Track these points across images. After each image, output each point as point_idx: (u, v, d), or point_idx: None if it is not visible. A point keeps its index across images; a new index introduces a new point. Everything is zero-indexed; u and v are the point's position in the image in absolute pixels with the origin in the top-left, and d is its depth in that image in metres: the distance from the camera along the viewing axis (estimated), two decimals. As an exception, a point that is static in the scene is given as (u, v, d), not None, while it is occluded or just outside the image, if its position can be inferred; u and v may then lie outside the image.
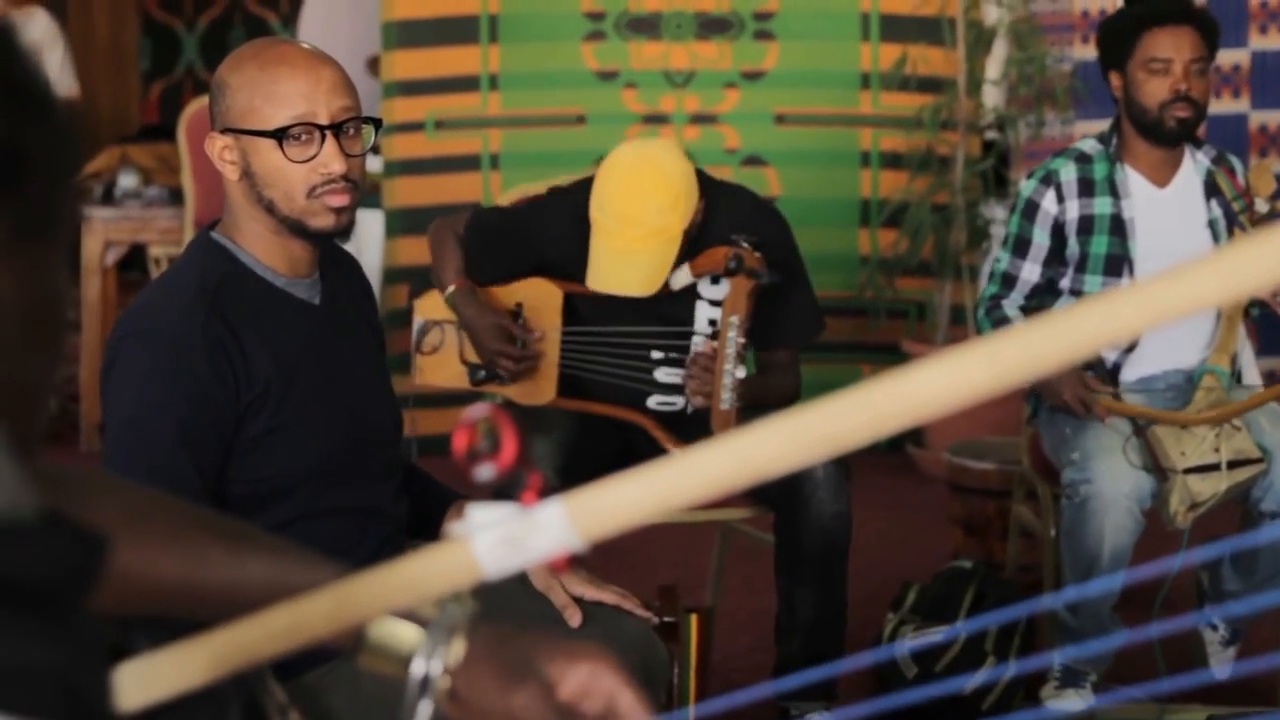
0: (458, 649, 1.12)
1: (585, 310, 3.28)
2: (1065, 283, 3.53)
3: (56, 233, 0.86)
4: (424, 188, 5.47)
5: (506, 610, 1.63)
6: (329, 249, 2.28)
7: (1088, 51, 5.32)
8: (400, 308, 5.23)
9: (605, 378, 3.29)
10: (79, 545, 0.82)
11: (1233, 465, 3.25)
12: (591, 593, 2.35)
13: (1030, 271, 3.54)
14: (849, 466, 3.08)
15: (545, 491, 1.00)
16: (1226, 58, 5.32)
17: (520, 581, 2.33)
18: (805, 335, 3.36)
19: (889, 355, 5.35)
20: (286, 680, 1.56)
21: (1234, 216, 3.48)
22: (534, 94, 5.50)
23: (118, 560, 1.01)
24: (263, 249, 2.21)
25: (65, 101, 0.88)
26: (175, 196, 5.80)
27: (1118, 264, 3.47)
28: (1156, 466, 3.24)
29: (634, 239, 3.07)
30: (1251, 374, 3.58)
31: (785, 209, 3.51)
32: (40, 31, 5.78)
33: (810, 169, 5.54)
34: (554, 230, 3.25)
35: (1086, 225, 3.49)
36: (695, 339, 3.25)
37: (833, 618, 3.12)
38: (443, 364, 3.36)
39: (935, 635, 3.40)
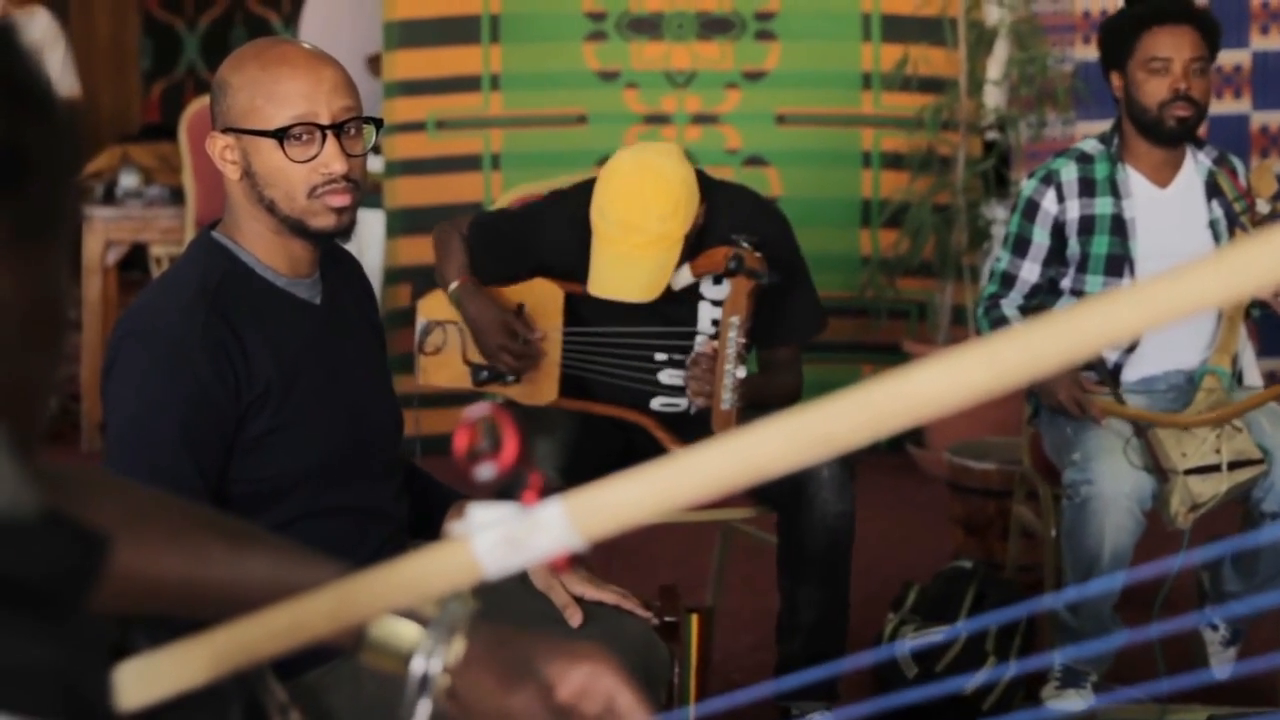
0: (458, 648, 1.12)
1: (587, 311, 3.28)
2: (1066, 283, 3.53)
3: (57, 232, 0.86)
4: (425, 188, 5.47)
5: (507, 610, 1.63)
6: (330, 249, 2.28)
7: (1089, 52, 5.32)
8: (401, 307, 5.23)
9: (609, 379, 3.30)
10: (79, 544, 0.82)
11: (1233, 466, 3.25)
12: (592, 592, 2.35)
13: (1030, 271, 3.55)
14: (854, 466, 3.09)
15: (546, 491, 1.00)
16: (1228, 58, 5.32)
17: (521, 581, 2.33)
18: (807, 333, 3.36)
19: (890, 355, 5.35)
20: (287, 679, 1.56)
21: (1235, 217, 3.48)
22: (535, 94, 5.50)
23: (118, 559, 1.01)
24: (263, 249, 2.21)
25: (66, 101, 0.88)
26: (176, 196, 5.80)
27: (1118, 264, 3.47)
28: (1157, 467, 3.24)
29: (635, 246, 3.07)
30: (1252, 375, 3.58)
31: (786, 209, 3.51)
32: (41, 31, 5.79)
33: (811, 169, 5.54)
34: (555, 235, 3.26)
35: (1087, 225, 3.49)
36: (698, 339, 3.25)
37: (835, 617, 3.12)
38: (446, 364, 3.37)
39: (936, 635, 3.40)
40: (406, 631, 1.20)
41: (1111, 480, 3.18)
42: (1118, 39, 3.51)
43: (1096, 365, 3.46)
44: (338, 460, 2.20)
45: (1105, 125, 3.60)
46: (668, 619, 2.58)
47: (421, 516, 2.34)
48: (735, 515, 3.43)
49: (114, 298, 5.70)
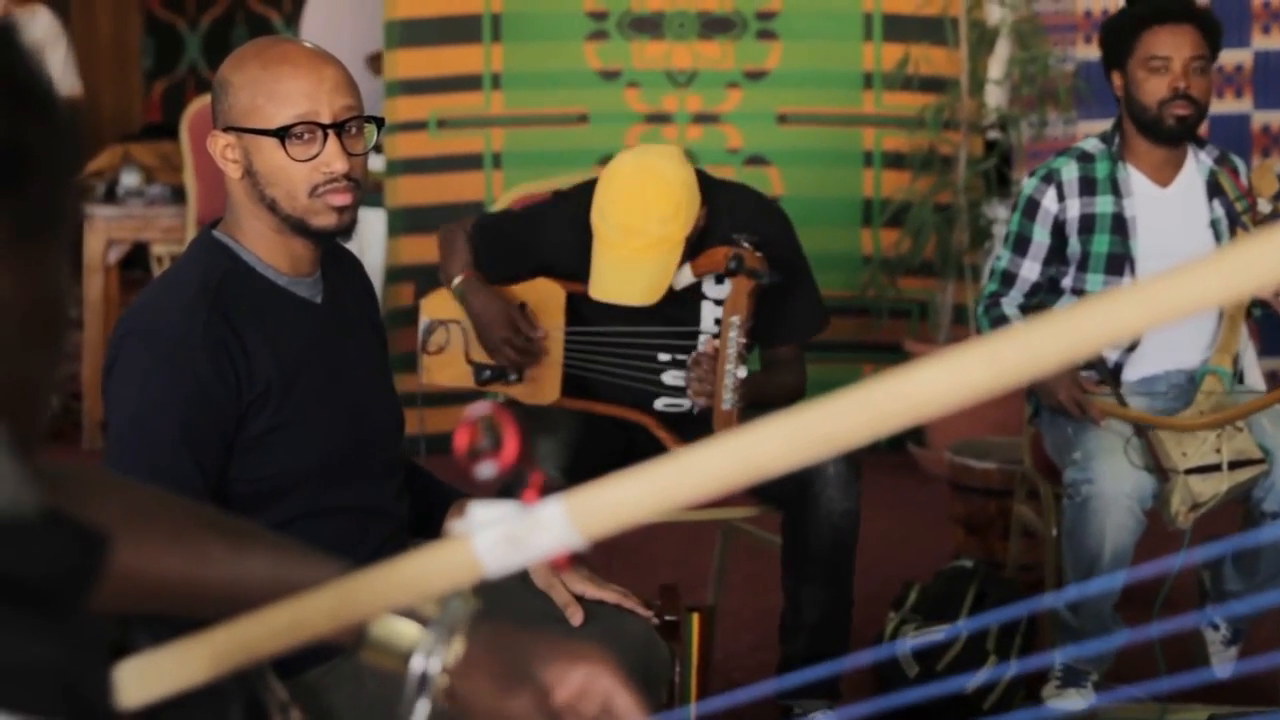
0: (458, 647, 1.12)
1: (589, 311, 3.28)
2: (1067, 281, 3.53)
3: (58, 231, 0.86)
4: (426, 187, 5.47)
5: (507, 609, 1.63)
6: (331, 248, 2.28)
7: (1090, 51, 5.32)
8: (403, 306, 5.23)
9: (611, 379, 3.30)
10: (80, 543, 0.82)
11: (1234, 466, 3.25)
12: (593, 591, 2.35)
13: (1030, 269, 3.55)
14: (859, 464, 3.09)
15: (547, 490, 1.00)
16: (1229, 58, 5.32)
17: (521, 580, 2.33)
18: (809, 332, 3.36)
19: (891, 355, 5.35)
20: (288, 678, 1.56)
21: (1236, 216, 3.48)
22: (536, 93, 5.50)
23: (119, 558, 1.01)
24: (265, 248, 2.21)
25: (67, 100, 0.88)
26: (177, 195, 5.80)
27: (1119, 263, 3.47)
28: (1158, 467, 3.24)
29: (636, 249, 3.07)
30: (1253, 375, 3.58)
31: (788, 209, 3.51)
32: (43, 30, 5.79)
33: (813, 169, 5.54)
34: (557, 236, 3.26)
35: (1088, 224, 3.49)
36: (701, 339, 3.25)
37: (839, 616, 3.12)
38: (449, 363, 3.37)
39: (937, 634, 3.40)
40: (407, 630, 1.20)
41: (1112, 480, 3.18)
42: (1118, 38, 3.51)
43: (1097, 364, 3.46)
44: (338, 459, 2.20)
45: (1106, 125, 3.60)
46: (668, 618, 2.58)
47: (422, 515, 2.34)
48: (736, 514, 3.43)
49: (115, 297, 5.70)
